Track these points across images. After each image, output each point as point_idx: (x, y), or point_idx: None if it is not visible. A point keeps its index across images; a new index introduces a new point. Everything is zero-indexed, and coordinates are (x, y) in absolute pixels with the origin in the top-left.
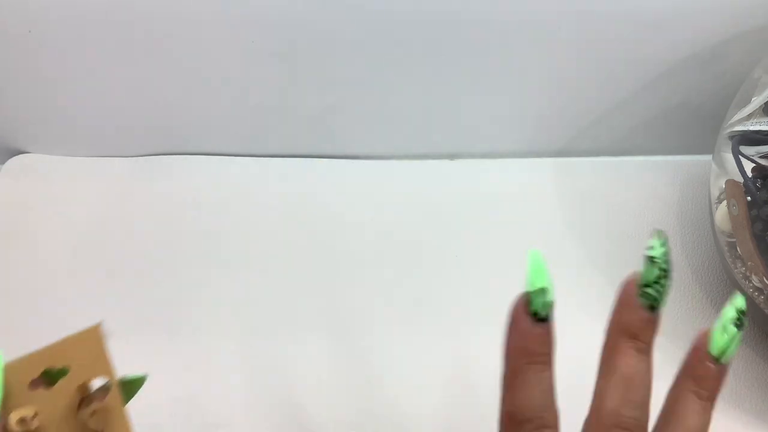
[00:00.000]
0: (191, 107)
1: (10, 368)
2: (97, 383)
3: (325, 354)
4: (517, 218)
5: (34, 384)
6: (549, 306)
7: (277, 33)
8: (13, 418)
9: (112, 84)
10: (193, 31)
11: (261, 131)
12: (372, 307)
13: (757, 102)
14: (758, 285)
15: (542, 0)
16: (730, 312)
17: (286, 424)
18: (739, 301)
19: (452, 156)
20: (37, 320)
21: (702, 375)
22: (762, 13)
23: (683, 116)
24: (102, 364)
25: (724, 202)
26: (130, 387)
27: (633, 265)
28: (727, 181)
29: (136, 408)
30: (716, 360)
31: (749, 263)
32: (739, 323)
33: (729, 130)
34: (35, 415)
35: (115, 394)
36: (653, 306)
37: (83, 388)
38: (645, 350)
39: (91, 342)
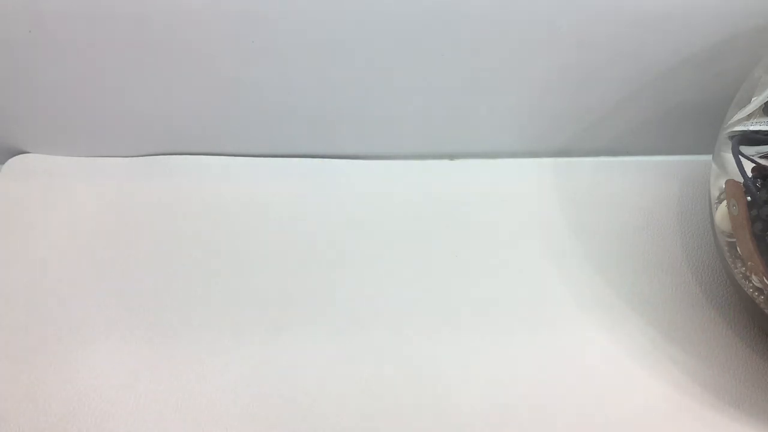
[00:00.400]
0: (191, 107)
1: None
2: None
3: (325, 353)
4: (517, 218)
5: None
6: None
7: (277, 33)
8: None
9: (112, 84)
10: (193, 31)
11: (261, 131)
12: (372, 306)
13: (757, 102)
14: (758, 285)
15: (542, 0)
16: None
17: (286, 423)
18: None
19: (452, 156)
20: (37, 320)
21: None
22: (762, 13)
23: (683, 116)
24: None
25: (724, 202)
26: None
27: (632, 265)
28: (727, 181)
29: (136, 407)
30: None
31: (749, 263)
32: None
33: (729, 130)
34: None
35: None
36: None
37: None
38: None
39: None
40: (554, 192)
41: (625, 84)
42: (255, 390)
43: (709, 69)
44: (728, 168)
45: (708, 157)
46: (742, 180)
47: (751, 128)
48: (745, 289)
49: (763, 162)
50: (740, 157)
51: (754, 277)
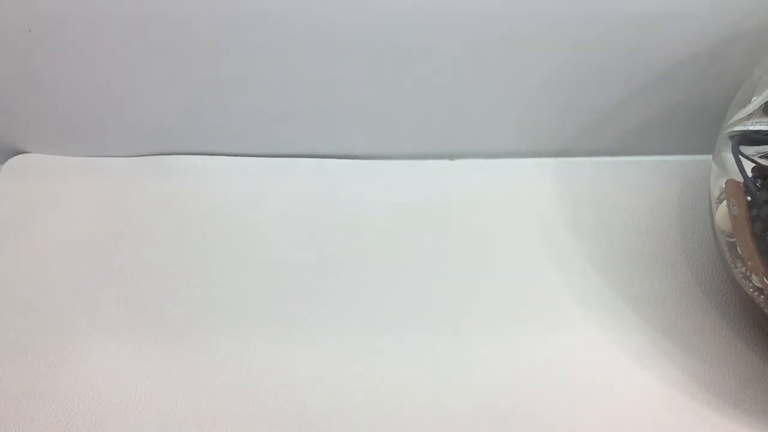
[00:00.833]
0: (191, 107)
1: None
2: None
3: (324, 353)
4: (517, 218)
5: None
6: None
7: (276, 33)
8: None
9: (112, 84)
10: (192, 31)
11: (261, 131)
12: (371, 306)
13: (757, 102)
14: (758, 285)
15: (542, 0)
16: None
17: (286, 423)
18: None
19: (452, 156)
20: (37, 320)
21: None
22: (762, 13)
23: (683, 116)
24: None
25: (724, 202)
26: None
27: (632, 265)
28: (727, 181)
29: (136, 407)
30: None
31: (749, 263)
32: None
33: (729, 130)
34: None
35: None
36: None
37: None
38: None
39: None
40: (554, 192)
41: (625, 84)
42: (255, 390)
43: (709, 69)
44: (728, 168)
45: (708, 157)
46: (742, 180)
47: (751, 128)
48: (745, 289)
49: (763, 162)
50: (740, 157)
51: (754, 277)
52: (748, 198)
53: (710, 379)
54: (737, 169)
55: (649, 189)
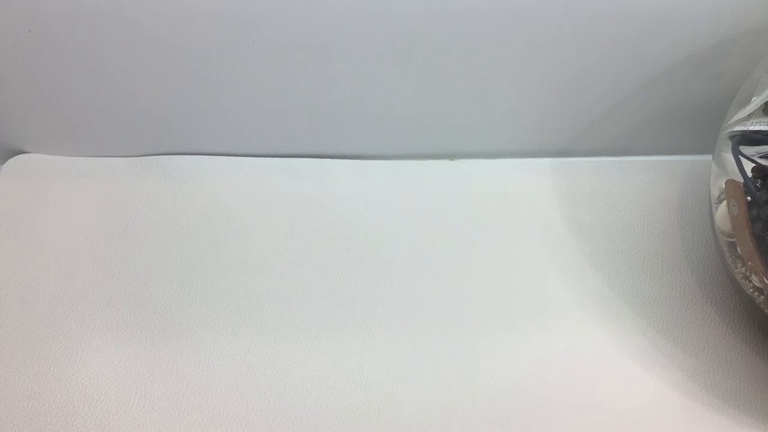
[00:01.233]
0: (191, 107)
1: None
2: None
3: (324, 353)
4: (517, 218)
5: None
6: None
7: (277, 33)
8: None
9: (112, 84)
10: (193, 30)
11: (261, 131)
12: (371, 306)
13: (757, 102)
14: (758, 285)
15: (542, 0)
16: None
17: (286, 424)
18: None
19: (452, 156)
20: (37, 320)
21: None
22: (762, 13)
23: (683, 116)
24: None
25: (724, 202)
26: None
27: (632, 265)
28: (727, 181)
29: (136, 407)
30: None
31: (749, 263)
32: None
33: (729, 130)
34: None
35: None
36: None
37: None
38: None
39: None
40: (554, 192)
41: (625, 84)
42: (254, 390)
43: (709, 69)
44: (728, 168)
45: (708, 157)
46: (742, 180)
47: (751, 128)
48: (745, 289)
49: (763, 162)
50: (740, 157)
51: (754, 277)
52: (748, 198)
53: (710, 379)
54: (737, 169)
55: (649, 189)
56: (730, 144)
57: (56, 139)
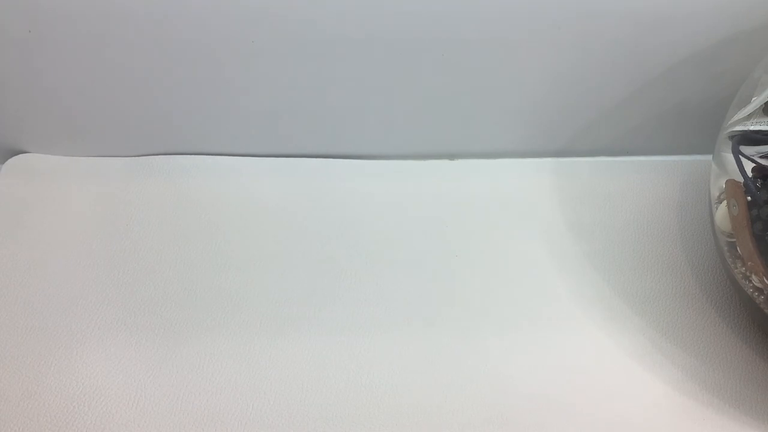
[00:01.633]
0: (191, 107)
1: None
2: None
3: (324, 353)
4: (517, 218)
5: None
6: None
7: (277, 33)
8: None
9: (112, 84)
10: (193, 31)
11: (261, 131)
12: (371, 306)
13: (757, 102)
14: (758, 285)
15: (542, 0)
16: None
17: (286, 423)
18: None
19: (452, 156)
20: (36, 320)
21: None
22: (762, 13)
23: (683, 116)
24: None
25: (724, 202)
26: None
27: (632, 265)
28: (727, 181)
29: (136, 407)
30: None
31: (749, 263)
32: None
33: (729, 130)
34: None
35: None
36: None
37: None
38: None
39: None
40: (554, 192)
41: (625, 84)
42: (255, 390)
43: (709, 69)
44: (728, 168)
45: (708, 157)
46: (742, 180)
47: (751, 128)
48: (745, 289)
49: (763, 162)
50: (740, 157)
51: (754, 277)
52: (748, 198)
53: (710, 379)
54: (737, 169)
55: (649, 189)
56: (730, 144)
57: (56, 139)
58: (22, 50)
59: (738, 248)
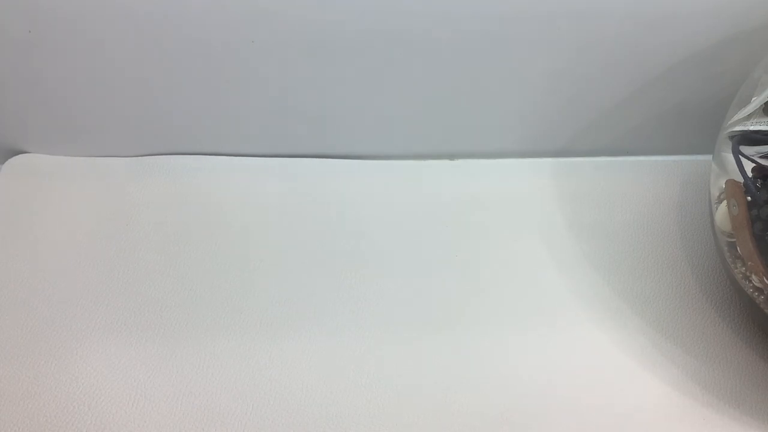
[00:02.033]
0: (191, 107)
1: None
2: None
3: (325, 353)
4: (517, 218)
5: None
6: None
7: (277, 33)
8: None
9: (112, 84)
10: (193, 31)
11: (261, 131)
12: (371, 306)
13: (757, 102)
14: (758, 285)
15: (542, 0)
16: None
17: (286, 423)
18: None
19: (452, 156)
20: (37, 320)
21: None
22: (762, 13)
23: (683, 116)
24: None
25: (724, 202)
26: None
27: (632, 265)
28: (727, 181)
29: (136, 407)
30: None
31: (749, 263)
32: None
33: (729, 130)
34: None
35: None
36: None
37: None
38: None
39: None
40: (554, 192)
41: (625, 84)
42: (255, 390)
43: (709, 69)
44: (728, 168)
45: (708, 157)
46: (742, 180)
47: (751, 128)
48: (745, 289)
49: (763, 162)
50: (740, 157)
51: (754, 277)
52: (748, 198)
53: (710, 379)
54: (737, 169)
55: (649, 189)
56: (730, 144)
57: (56, 139)
58: (22, 50)
59: (738, 248)
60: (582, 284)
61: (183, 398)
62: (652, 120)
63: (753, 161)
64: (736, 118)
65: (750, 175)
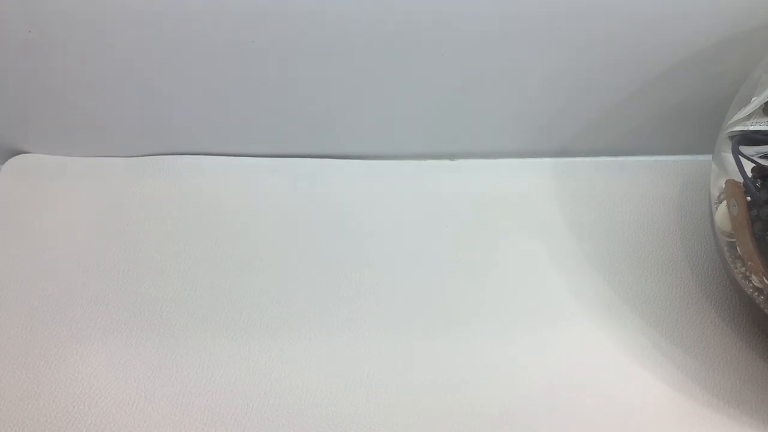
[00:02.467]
0: (191, 107)
1: None
2: None
3: (324, 353)
4: (517, 218)
5: None
6: None
7: (277, 33)
8: None
9: (112, 84)
10: (193, 31)
11: (261, 131)
12: (371, 306)
13: (757, 102)
14: (758, 285)
15: (542, 0)
16: None
17: (286, 424)
18: None
19: (452, 156)
20: (37, 320)
21: None
22: (762, 13)
23: (683, 116)
24: None
25: (724, 202)
26: None
27: (632, 265)
28: (727, 181)
29: (136, 407)
30: None
31: (749, 263)
32: None
33: (729, 130)
34: None
35: None
36: None
37: None
38: None
39: None
40: (554, 192)
41: (624, 84)
42: (255, 390)
43: (709, 69)
44: (728, 168)
45: (708, 157)
46: (742, 180)
47: (751, 128)
48: (745, 289)
49: (763, 162)
50: (740, 157)
51: (754, 277)
52: (748, 198)
53: (710, 379)
54: (737, 169)
55: (649, 189)
56: (730, 144)
57: (56, 139)
58: (22, 50)
59: (738, 248)
60: (582, 284)
61: (183, 398)
62: (652, 120)
63: (753, 161)
64: (736, 118)
65: (750, 175)
